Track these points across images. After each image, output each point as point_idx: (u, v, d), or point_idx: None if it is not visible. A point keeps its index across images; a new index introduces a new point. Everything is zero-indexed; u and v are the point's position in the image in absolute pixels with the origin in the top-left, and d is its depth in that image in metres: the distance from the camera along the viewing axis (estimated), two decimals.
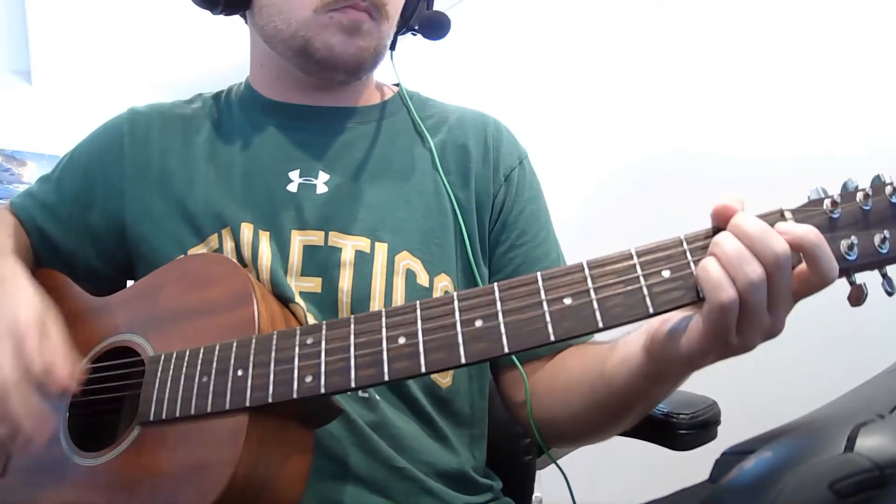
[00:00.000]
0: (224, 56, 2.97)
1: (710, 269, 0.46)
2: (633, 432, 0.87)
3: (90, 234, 0.81)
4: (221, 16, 0.81)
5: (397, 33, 0.83)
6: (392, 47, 0.84)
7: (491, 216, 0.79)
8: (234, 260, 0.70)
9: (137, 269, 0.79)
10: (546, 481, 0.79)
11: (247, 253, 0.71)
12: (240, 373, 0.57)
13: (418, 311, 0.53)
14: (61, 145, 0.88)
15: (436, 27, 0.83)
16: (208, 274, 0.66)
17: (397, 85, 0.87)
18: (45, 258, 0.83)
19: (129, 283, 0.84)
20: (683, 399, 0.90)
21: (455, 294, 0.53)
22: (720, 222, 0.49)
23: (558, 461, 0.80)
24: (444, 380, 0.74)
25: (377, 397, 0.69)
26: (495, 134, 0.83)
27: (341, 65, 0.73)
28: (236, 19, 0.84)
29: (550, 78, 2.32)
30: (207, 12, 0.81)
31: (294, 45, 0.74)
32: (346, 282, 0.71)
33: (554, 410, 0.72)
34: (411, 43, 0.89)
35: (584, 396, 0.67)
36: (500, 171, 0.81)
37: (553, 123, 2.25)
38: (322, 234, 0.72)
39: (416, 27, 0.84)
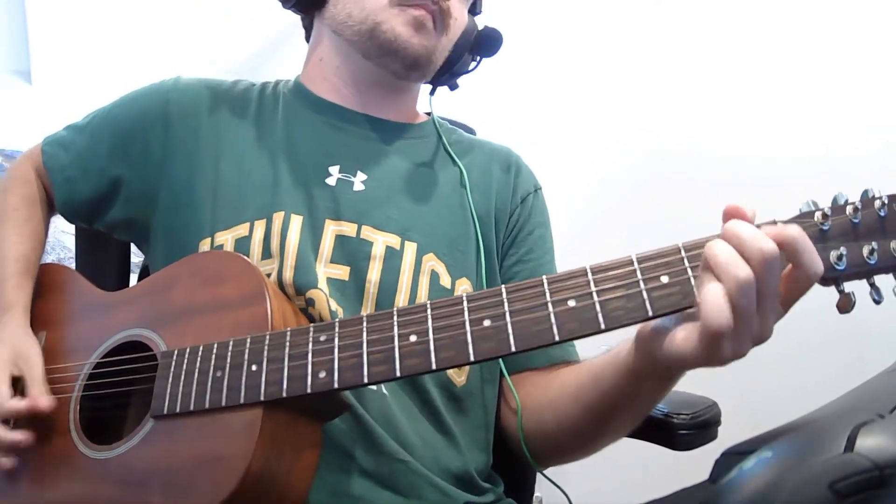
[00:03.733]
0: (225, 56, 2.97)
1: (708, 292, 0.47)
2: (633, 432, 0.87)
3: (123, 191, 0.81)
4: (291, 10, 0.85)
5: (439, 79, 0.87)
6: (431, 93, 0.90)
7: (505, 231, 0.85)
8: (260, 250, 0.72)
9: (159, 242, 0.79)
10: (546, 482, 0.79)
11: (275, 241, 0.72)
12: (254, 368, 0.58)
13: (429, 311, 0.55)
14: None
15: (488, 44, 0.87)
16: (221, 271, 0.67)
17: (428, 114, 0.93)
18: (69, 207, 0.84)
19: (132, 279, 0.84)
20: (683, 399, 0.90)
21: (464, 295, 0.55)
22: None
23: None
24: (459, 378, 0.76)
25: (384, 391, 0.70)
26: (517, 164, 0.91)
27: (401, 52, 0.78)
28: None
29: (550, 78, 2.32)
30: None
31: (363, 29, 0.78)
32: (374, 273, 0.73)
33: (544, 422, 0.74)
34: None
35: (572, 400, 0.69)
36: (518, 193, 0.88)
37: (553, 123, 2.25)
38: (355, 226, 0.75)
39: (469, 51, 0.87)
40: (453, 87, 0.91)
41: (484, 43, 0.86)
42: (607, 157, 2.15)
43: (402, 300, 0.73)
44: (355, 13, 0.78)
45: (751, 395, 1.32)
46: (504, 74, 2.49)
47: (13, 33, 3.25)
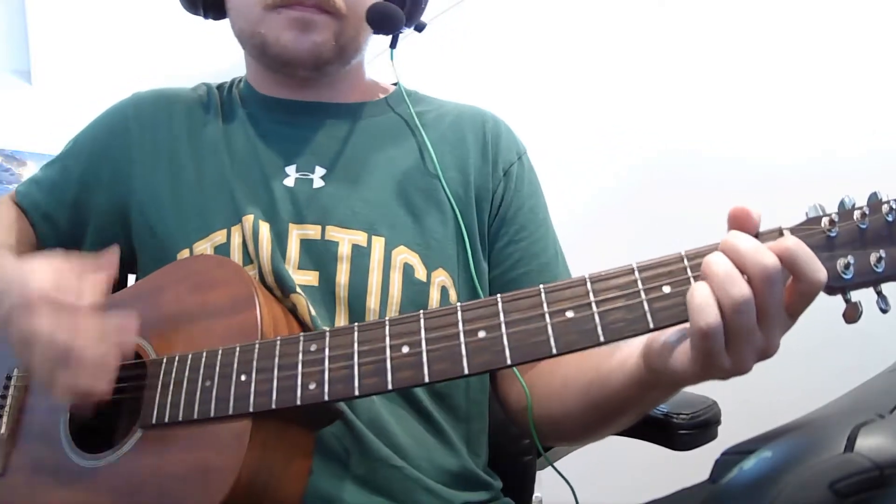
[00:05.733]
0: (224, 56, 2.97)
1: (695, 293, 0.46)
2: (633, 432, 0.87)
3: (95, 218, 0.81)
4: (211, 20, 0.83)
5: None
6: (393, 45, 0.84)
7: (490, 211, 0.79)
8: (241, 256, 0.71)
9: (140, 260, 0.79)
10: (546, 481, 0.79)
11: (251, 245, 0.71)
12: (243, 378, 0.57)
13: (422, 321, 0.54)
14: (61, 145, 0.88)
15: (382, 20, 0.76)
16: (211, 277, 0.66)
17: (395, 84, 0.87)
18: (51, 244, 0.83)
19: (130, 278, 0.84)
20: (683, 399, 0.90)
21: (458, 305, 0.53)
22: (735, 227, 0.49)
23: (559, 460, 0.80)
24: None
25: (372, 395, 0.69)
26: (493, 129, 0.83)
27: (296, 60, 0.74)
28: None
29: (552, 79, 2.32)
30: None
31: (255, 43, 0.75)
32: (343, 276, 0.71)
33: (551, 408, 0.72)
34: (412, 43, 0.89)
35: (580, 396, 0.68)
36: (500, 165, 0.80)
37: (555, 125, 2.25)
38: (319, 228, 0.73)
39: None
40: (420, 28, 0.84)
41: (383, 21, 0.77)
42: (610, 158, 2.15)
43: (373, 301, 0.70)
44: (245, 28, 0.76)
45: (751, 395, 1.32)
46: (506, 75, 2.49)
47: (13, 33, 3.25)
